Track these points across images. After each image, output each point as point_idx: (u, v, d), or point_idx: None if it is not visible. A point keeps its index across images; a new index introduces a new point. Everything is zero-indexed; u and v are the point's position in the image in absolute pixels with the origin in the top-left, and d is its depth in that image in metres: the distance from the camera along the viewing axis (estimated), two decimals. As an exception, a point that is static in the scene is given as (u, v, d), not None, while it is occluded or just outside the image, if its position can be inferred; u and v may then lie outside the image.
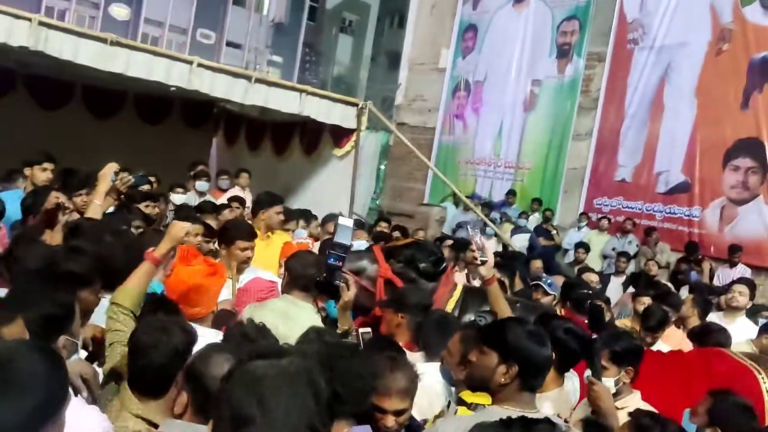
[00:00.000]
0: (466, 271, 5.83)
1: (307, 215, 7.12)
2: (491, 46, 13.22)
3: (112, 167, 3.90)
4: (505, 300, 3.97)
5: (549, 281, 5.16)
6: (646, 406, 2.92)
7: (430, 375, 2.89)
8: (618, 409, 2.87)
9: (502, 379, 2.22)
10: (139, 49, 7.34)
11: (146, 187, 7.53)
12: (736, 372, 3.66)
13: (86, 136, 9.26)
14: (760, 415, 3.53)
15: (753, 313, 6.09)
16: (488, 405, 2.32)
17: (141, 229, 4.79)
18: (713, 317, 5.85)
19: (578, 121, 11.97)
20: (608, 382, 2.89)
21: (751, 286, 6.26)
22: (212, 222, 5.84)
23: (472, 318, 3.71)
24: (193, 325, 2.95)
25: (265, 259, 4.41)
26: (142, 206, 5.96)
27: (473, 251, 3.17)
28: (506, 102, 12.83)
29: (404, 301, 3.26)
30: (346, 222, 3.48)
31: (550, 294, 5.00)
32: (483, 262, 3.17)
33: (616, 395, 2.89)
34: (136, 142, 10.09)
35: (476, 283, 5.29)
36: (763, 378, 3.58)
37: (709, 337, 4.58)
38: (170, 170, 9.72)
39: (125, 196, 4.77)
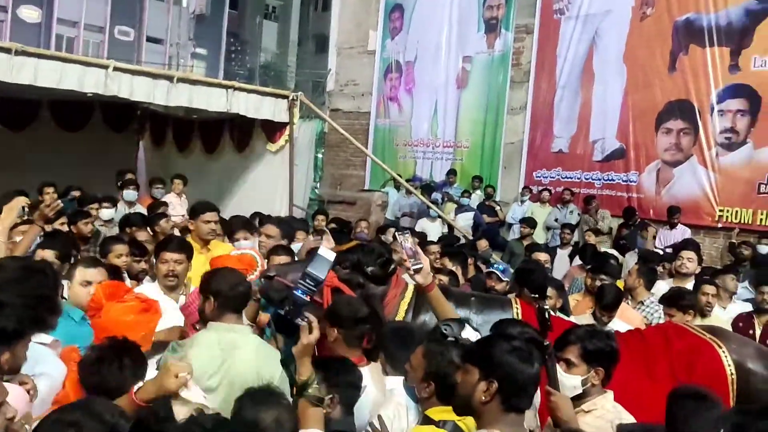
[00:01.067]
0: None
1: (250, 223, 6.59)
2: (419, 26, 13.03)
3: (20, 201, 3.52)
4: (456, 295, 3.82)
5: (502, 267, 5.04)
6: (616, 408, 2.77)
7: (399, 390, 2.74)
8: (585, 412, 2.73)
9: (483, 397, 2.06)
10: (47, 56, 6.87)
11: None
12: (696, 347, 3.61)
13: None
14: (724, 389, 3.52)
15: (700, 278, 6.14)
16: (464, 425, 2.19)
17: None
18: (662, 285, 5.88)
19: (512, 95, 11.93)
20: (574, 380, 2.74)
21: (698, 250, 6.35)
22: (144, 235, 5.52)
23: (427, 319, 3.54)
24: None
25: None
26: (81, 224, 5.62)
27: (405, 260, 2.91)
28: (439, 81, 12.69)
29: (337, 314, 2.99)
30: (326, 254, 3.14)
31: (504, 281, 4.88)
32: (417, 270, 2.94)
33: (582, 396, 2.75)
34: (57, 151, 9.58)
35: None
36: (724, 352, 3.52)
37: (683, 299, 4.61)
38: (96, 178, 9.26)
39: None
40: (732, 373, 3.47)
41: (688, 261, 5.82)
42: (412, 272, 2.88)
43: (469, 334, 2.64)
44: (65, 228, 5.25)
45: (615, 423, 2.60)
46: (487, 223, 10.70)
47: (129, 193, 7.97)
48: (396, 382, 2.81)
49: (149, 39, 26.64)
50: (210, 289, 2.97)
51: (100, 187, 8.79)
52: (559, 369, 2.69)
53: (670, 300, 4.80)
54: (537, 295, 4.28)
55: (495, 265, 5.23)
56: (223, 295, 2.93)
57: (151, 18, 26.34)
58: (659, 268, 6.34)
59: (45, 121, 10.02)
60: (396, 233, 3.69)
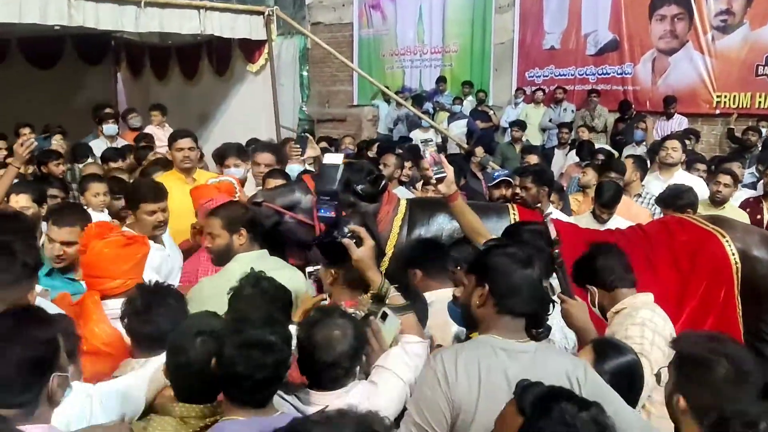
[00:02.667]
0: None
1: (242, 150, 6.23)
2: (396, -75, 12.37)
3: None
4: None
5: (496, 173, 4.84)
6: (647, 305, 2.70)
7: (439, 301, 2.70)
8: (615, 313, 2.71)
9: (477, 301, 2.05)
10: (4, -12, 6.45)
11: (59, 142, 6.92)
12: (700, 238, 3.51)
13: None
14: (728, 278, 3.44)
15: (688, 166, 6.03)
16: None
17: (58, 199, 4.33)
18: (650, 177, 5.78)
19: (498, -7, 11.44)
20: None
21: (682, 139, 6.21)
22: (122, 169, 5.35)
23: (422, 233, 3.43)
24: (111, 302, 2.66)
25: (189, 206, 3.89)
26: (52, 165, 5.41)
27: (426, 169, 2.73)
28: (422, -16, 12.15)
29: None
30: (332, 159, 2.97)
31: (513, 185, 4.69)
32: (441, 179, 2.78)
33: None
34: (31, 90, 9.27)
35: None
36: (728, 241, 3.43)
37: (680, 199, 4.47)
38: (74, 115, 9.03)
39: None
40: (736, 262, 3.39)
41: (673, 150, 5.67)
42: (435, 181, 2.72)
43: None
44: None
45: (646, 319, 2.60)
46: (481, 129, 10.47)
47: (109, 128, 7.70)
48: (433, 296, 2.78)
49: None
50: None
51: (80, 124, 8.58)
52: None
53: (667, 199, 4.59)
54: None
55: (498, 173, 5.04)
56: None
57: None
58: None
59: (17, 59, 9.65)
60: (420, 144, 3.53)
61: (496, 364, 1.96)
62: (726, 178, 5.11)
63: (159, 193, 3.59)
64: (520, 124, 9.57)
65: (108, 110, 8.04)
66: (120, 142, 7.68)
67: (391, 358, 2.21)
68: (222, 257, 3.03)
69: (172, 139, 4.58)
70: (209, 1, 7.92)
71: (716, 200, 5.08)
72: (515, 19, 11.32)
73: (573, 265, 2.77)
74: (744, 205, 5.27)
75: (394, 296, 2.35)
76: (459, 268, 2.65)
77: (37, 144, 3.67)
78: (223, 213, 3.06)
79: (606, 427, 1.49)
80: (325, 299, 2.63)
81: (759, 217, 5.11)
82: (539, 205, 4.15)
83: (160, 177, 4.41)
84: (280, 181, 3.98)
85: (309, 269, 3.10)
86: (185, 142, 4.48)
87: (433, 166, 2.76)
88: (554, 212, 4.25)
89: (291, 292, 2.63)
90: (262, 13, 8.17)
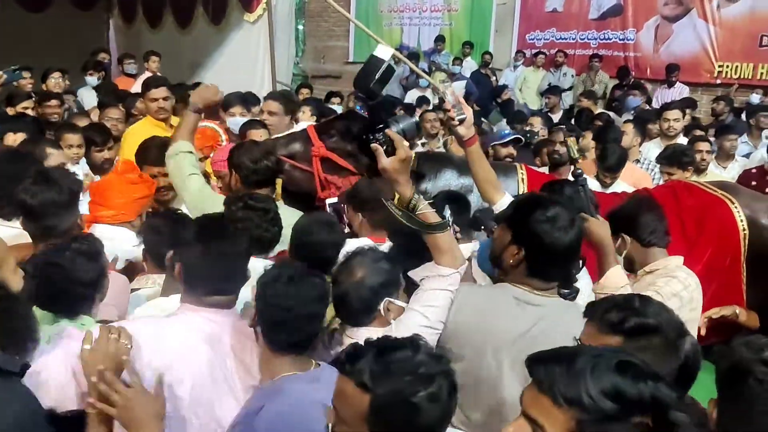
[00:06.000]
0: None
1: (247, 99, 5.70)
2: None
3: None
4: (457, 162, 3.61)
5: (503, 132, 4.76)
6: (681, 267, 2.73)
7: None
8: (647, 272, 2.72)
9: (510, 260, 2.03)
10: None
11: (57, 81, 6.70)
12: (707, 204, 3.46)
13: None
14: (735, 244, 3.40)
15: (686, 133, 6.02)
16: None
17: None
18: (650, 145, 5.75)
19: (502, -50, 11.20)
20: None
21: (683, 108, 6.18)
22: (116, 113, 5.20)
23: (428, 188, 3.36)
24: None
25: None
26: (52, 105, 5.22)
27: (449, 110, 2.61)
28: (424, -62, 11.86)
29: (359, 198, 2.84)
30: (381, 52, 2.85)
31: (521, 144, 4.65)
32: (462, 120, 2.67)
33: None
34: (22, 34, 8.99)
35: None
36: (736, 207, 3.38)
37: (685, 155, 4.47)
38: (67, 62, 8.76)
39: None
40: (744, 228, 3.35)
41: (674, 121, 5.68)
42: (456, 123, 2.62)
43: None
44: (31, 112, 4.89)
45: (682, 277, 2.64)
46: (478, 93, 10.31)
47: (90, 79, 7.51)
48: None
49: None
50: (233, 163, 3.02)
51: (72, 71, 8.36)
52: None
53: (671, 157, 4.60)
54: None
55: (505, 132, 4.96)
56: (245, 169, 2.95)
57: None
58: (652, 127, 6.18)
59: (7, 2, 9.33)
60: (440, 84, 3.44)
61: (504, 309, 1.98)
62: (705, 145, 5.21)
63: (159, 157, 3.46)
64: (553, 90, 9.38)
65: (101, 56, 7.82)
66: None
67: (422, 296, 2.12)
68: None
69: (146, 88, 4.51)
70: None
71: (700, 168, 5.05)
72: (519, -21, 11.12)
73: (613, 211, 2.78)
74: (747, 177, 5.18)
75: (427, 212, 2.13)
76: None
77: (6, 77, 3.54)
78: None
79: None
80: None
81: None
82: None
83: (137, 125, 4.35)
84: (261, 131, 4.04)
85: (329, 201, 3.11)
86: (159, 92, 4.43)
87: (454, 109, 2.66)
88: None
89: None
90: (262, -39, 7.95)
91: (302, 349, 1.90)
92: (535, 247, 1.99)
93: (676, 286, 2.63)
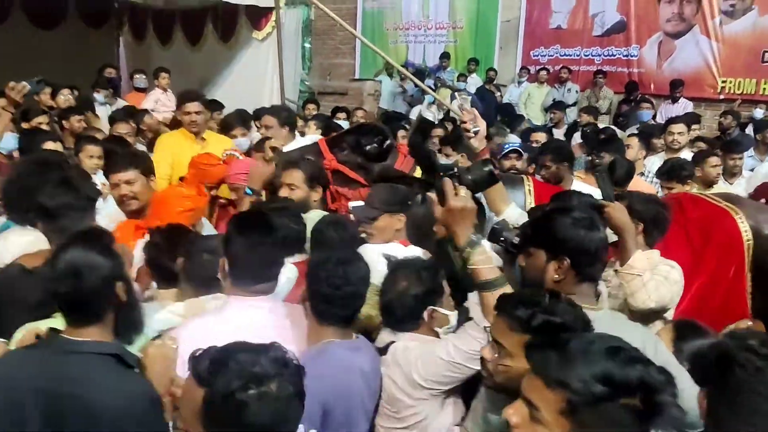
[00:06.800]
0: None
1: (244, 117, 5.89)
2: None
3: None
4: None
5: (517, 144, 4.81)
6: (667, 263, 2.84)
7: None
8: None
9: (556, 276, 1.99)
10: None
11: (67, 98, 6.83)
12: (712, 215, 3.51)
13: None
14: (739, 255, 3.46)
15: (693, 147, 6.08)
16: None
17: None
18: (654, 159, 5.80)
19: (506, -32, 11.35)
20: None
21: (688, 122, 6.24)
22: (125, 128, 5.31)
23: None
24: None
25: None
26: (74, 121, 5.43)
27: (465, 122, 2.66)
28: (429, -44, 12.02)
29: (398, 201, 2.90)
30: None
31: (524, 156, 4.70)
32: (476, 132, 2.70)
33: None
34: (34, 50, 9.15)
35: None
36: (740, 218, 3.43)
37: (684, 170, 4.53)
38: (77, 78, 8.90)
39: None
40: (749, 239, 3.39)
41: (679, 135, 5.74)
42: (472, 134, 2.67)
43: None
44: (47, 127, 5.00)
45: (666, 271, 2.74)
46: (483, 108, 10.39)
47: (98, 97, 7.63)
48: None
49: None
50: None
51: (83, 87, 8.48)
52: None
53: (670, 172, 4.63)
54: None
55: (508, 144, 5.03)
56: None
57: None
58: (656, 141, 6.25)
59: (19, 19, 9.51)
60: (457, 95, 3.53)
61: None
62: (714, 160, 5.20)
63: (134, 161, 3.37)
64: (558, 106, 9.32)
65: (109, 70, 7.93)
66: (118, 105, 7.62)
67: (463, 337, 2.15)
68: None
69: (180, 102, 4.59)
70: (217, -34, 7.84)
71: (712, 182, 5.08)
72: (523, -4, 11.25)
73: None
74: (761, 194, 5.16)
75: (481, 268, 2.00)
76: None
77: (30, 88, 3.60)
78: (305, 167, 3.22)
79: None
80: None
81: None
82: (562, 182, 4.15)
83: (168, 134, 4.41)
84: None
85: (351, 204, 3.19)
86: (192, 106, 4.48)
87: (470, 121, 2.72)
88: (580, 185, 4.25)
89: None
90: (271, -20, 8.08)
91: (347, 323, 2.14)
92: (578, 251, 1.98)
93: (676, 275, 2.81)
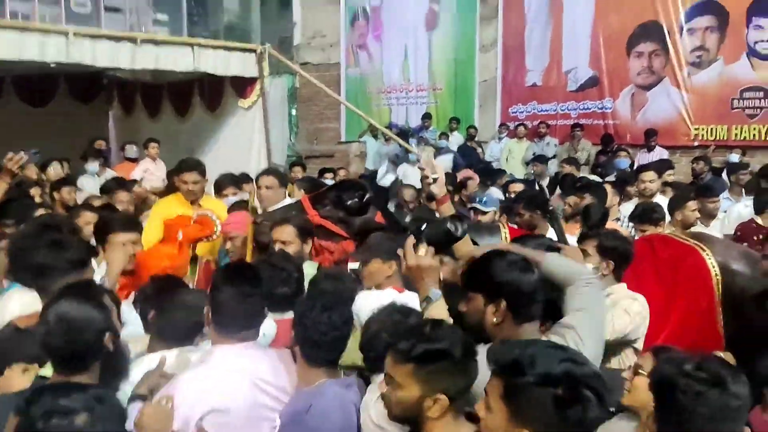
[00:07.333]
0: None
1: (237, 180, 6.03)
2: (382, -32, 12.78)
3: None
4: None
5: (483, 199, 5.03)
6: (629, 293, 3.09)
7: None
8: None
9: (494, 319, 2.04)
10: (4, 27, 6.63)
11: (56, 170, 7.04)
12: (682, 252, 3.69)
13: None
14: (709, 289, 3.61)
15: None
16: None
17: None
18: (628, 205, 5.97)
19: (482, 32, 11.83)
20: (588, 267, 2.86)
21: (658, 169, 6.45)
22: (125, 198, 5.49)
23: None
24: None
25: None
26: (65, 192, 5.69)
27: (424, 169, 2.84)
28: (407, 24, 12.50)
29: (392, 249, 2.91)
30: None
31: (488, 211, 4.89)
32: (435, 180, 2.85)
33: None
34: (25, 127, 9.34)
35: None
36: (707, 255, 3.61)
37: (655, 212, 4.72)
38: (68, 153, 9.10)
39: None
40: (717, 274, 3.57)
41: (650, 183, 5.92)
42: (431, 181, 2.85)
43: None
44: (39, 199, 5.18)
45: (627, 303, 2.98)
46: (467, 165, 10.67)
47: (91, 167, 7.82)
48: None
49: (107, 8, 25.84)
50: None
51: (74, 161, 8.68)
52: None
53: (642, 215, 4.82)
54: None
55: (476, 199, 5.23)
56: None
57: (107, -14, 25.57)
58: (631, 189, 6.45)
59: (10, 98, 9.76)
60: (416, 143, 3.73)
61: None
62: (693, 204, 5.21)
63: (128, 224, 3.54)
64: (539, 159, 9.38)
65: (99, 142, 8.12)
66: (109, 174, 7.81)
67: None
68: None
69: (178, 170, 4.66)
70: (203, 39, 8.16)
71: (691, 224, 5.23)
72: (498, 57, 11.71)
73: None
74: (743, 232, 5.29)
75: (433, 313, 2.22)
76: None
77: (26, 159, 3.75)
78: (294, 222, 3.36)
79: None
80: None
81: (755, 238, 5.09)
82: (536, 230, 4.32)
83: (166, 199, 4.56)
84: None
85: (351, 265, 3.28)
86: (190, 176, 4.53)
87: (429, 169, 2.91)
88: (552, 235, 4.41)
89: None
90: (255, 51, 8.39)
91: (334, 363, 2.31)
92: (513, 293, 2.02)
93: (637, 307, 3.05)
